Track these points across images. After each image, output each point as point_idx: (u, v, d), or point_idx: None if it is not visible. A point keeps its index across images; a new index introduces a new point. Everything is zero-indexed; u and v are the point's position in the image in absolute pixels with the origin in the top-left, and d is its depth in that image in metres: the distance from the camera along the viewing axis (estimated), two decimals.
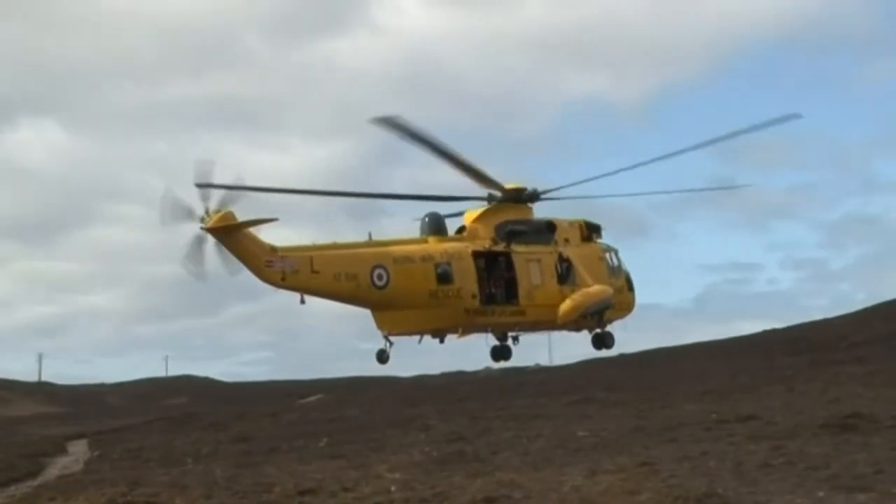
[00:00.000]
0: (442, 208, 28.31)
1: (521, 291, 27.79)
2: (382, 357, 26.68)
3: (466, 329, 27.56)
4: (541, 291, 28.04)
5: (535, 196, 28.71)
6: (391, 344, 26.60)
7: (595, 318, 28.71)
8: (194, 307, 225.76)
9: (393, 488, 33.38)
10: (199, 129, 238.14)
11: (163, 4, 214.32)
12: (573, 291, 28.26)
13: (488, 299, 27.47)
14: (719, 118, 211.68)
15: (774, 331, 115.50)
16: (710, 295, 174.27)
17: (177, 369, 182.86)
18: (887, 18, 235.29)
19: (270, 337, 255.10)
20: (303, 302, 25.44)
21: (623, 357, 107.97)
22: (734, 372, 75.27)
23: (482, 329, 28.00)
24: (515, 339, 29.27)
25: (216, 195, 23.85)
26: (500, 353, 29.41)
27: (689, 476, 31.15)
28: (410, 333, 27.13)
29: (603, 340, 29.32)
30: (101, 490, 37.24)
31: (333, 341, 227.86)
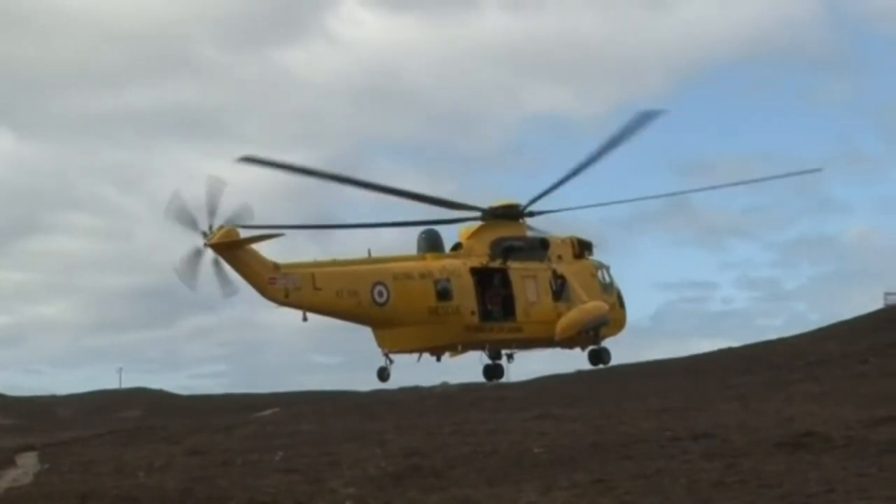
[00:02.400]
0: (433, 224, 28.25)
1: (518, 308, 27.84)
2: (383, 375, 26.58)
3: (465, 346, 27.58)
4: (537, 308, 28.08)
5: (525, 212, 28.76)
6: (391, 361, 26.54)
7: (591, 335, 28.82)
8: (149, 319, 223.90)
9: (347, 503, 33.22)
10: (154, 138, 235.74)
11: (116, 11, 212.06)
12: (568, 308, 28.30)
13: (486, 316, 27.48)
14: (678, 134, 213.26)
15: (730, 349, 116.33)
16: (666, 313, 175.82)
17: (131, 381, 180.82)
18: (842, 39, 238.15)
19: (226, 350, 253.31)
20: (305, 319, 25.37)
21: (580, 374, 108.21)
22: (690, 390, 75.67)
23: (480, 346, 28.00)
24: (510, 357, 29.24)
25: (221, 212, 23.80)
26: (493, 371, 29.32)
27: (642, 493, 31.24)
28: (410, 351, 27.12)
29: (599, 356, 29.35)
30: (52, 503, 36.76)
31: (290, 355, 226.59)
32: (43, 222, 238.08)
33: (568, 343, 28.95)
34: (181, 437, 74.25)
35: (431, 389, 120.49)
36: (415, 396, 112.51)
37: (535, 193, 28.23)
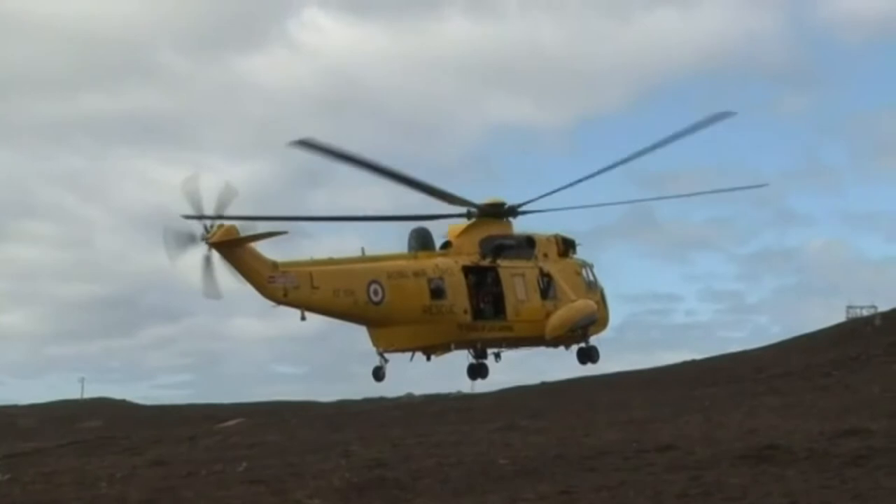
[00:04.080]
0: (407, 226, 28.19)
1: (509, 307, 27.86)
2: (379, 374, 26.52)
3: (458, 345, 27.56)
4: (527, 307, 28.12)
5: (513, 211, 28.75)
6: (386, 361, 26.46)
7: (579, 333, 28.80)
8: (111, 328, 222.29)
9: None
10: (114, 146, 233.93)
11: (74, 14, 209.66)
12: (556, 307, 28.32)
13: (478, 314, 27.45)
14: (640, 146, 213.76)
15: (694, 362, 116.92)
16: (630, 325, 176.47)
17: (93, 391, 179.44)
18: (804, 51, 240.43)
19: (190, 360, 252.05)
20: (303, 318, 25.25)
21: (545, 385, 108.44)
22: (654, 402, 75.96)
23: (472, 345, 27.95)
24: (497, 356, 29.15)
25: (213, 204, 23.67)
26: (478, 371, 29.22)
27: None
28: (405, 350, 27.09)
29: (588, 355, 29.35)
30: None
31: (254, 365, 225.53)
32: (0, 231, 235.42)
33: (557, 342, 28.95)
34: (144, 448, 73.67)
35: (396, 400, 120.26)
36: (379, 408, 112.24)
37: (534, 195, 28.29)
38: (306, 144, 24.24)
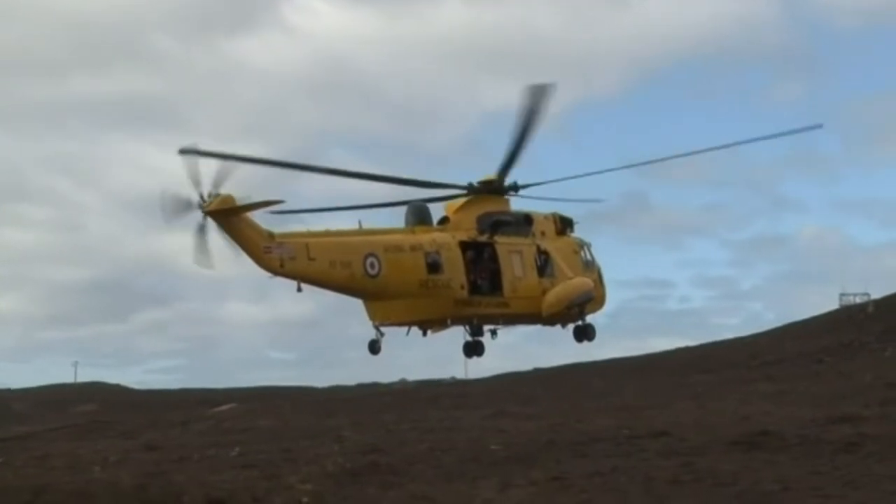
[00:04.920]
0: (421, 194, 28.09)
1: (505, 283, 27.73)
2: (374, 347, 26.35)
3: (454, 320, 27.43)
4: (523, 283, 27.99)
5: (514, 188, 28.66)
6: (382, 334, 26.35)
7: (575, 311, 28.73)
8: (105, 312, 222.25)
9: (305, 499, 33.12)
10: (107, 129, 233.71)
11: None
12: (552, 284, 28.22)
13: (474, 290, 27.31)
14: (634, 133, 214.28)
15: (687, 348, 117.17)
16: (624, 311, 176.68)
17: (86, 376, 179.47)
18: (799, 38, 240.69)
19: (183, 344, 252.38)
20: (299, 290, 25.06)
21: (538, 372, 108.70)
22: (647, 388, 76.11)
23: (468, 321, 27.85)
24: (494, 333, 29.04)
25: (211, 178, 23.55)
26: (473, 348, 29.11)
27: (599, 491, 31.39)
28: (401, 324, 26.94)
29: (585, 333, 29.26)
30: (5, 498, 36.37)
31: (247, 350, 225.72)
32: None
33: (554, 320, 28.86)
34: (137, 432, 73.69)
35: (390, 386, 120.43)
36: (373, 393, 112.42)
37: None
38: (192, 152, 23.93)
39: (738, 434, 40.92)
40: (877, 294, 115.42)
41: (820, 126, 30.62)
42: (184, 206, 23.73)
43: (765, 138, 28.91)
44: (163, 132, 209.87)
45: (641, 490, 31.29)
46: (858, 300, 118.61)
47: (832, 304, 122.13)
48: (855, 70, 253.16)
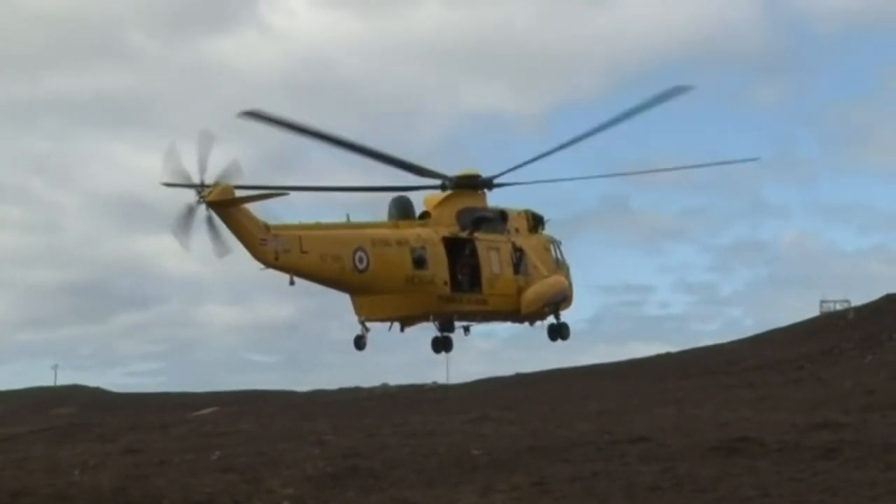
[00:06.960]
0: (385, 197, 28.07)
1: (484, 280, 27.73)
2: (360, 343, 26.29)
3: (437, 316, 27.41)
4: (501, 281, 28.01)
5: (488, 183, 28.63)
6: (368, 330, 26.32)
7: (550, 310, 28.76)
8: (83, 314, 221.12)
9: (285, 503, 33.06)
10: (83, 128, 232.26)
11: None
12: (527, 282, 28.25)
13: (456, 286, 27.30)
14: (616, 134, 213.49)
15: (668, 354, 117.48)
16: (604, 316, 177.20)
17: (66, 378, 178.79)
18: (778, 42, 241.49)
19: (163, 347, 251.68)
20: (292, 283, 25.06)
21: (519, 377, 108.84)
22: (628, 394, 76.32)
23: (448, 317, 27.83)
24: (466, 329, 29.01)
25: (213, 168, 23.59)
26: (442, 344, 29.03)
27: (580, 496, 31.45)
28: (386, 319, 26.87)
29: (559, 331, 29.26)
30: None
31: (228, 353, 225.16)
32: None
33: (531, 317, 28.88)
34: (117, 436, 73.31)
35: (371, 390, 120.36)
36: (354, 397, 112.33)
37: (507, 167, 28.22)
38: (256, 115, 24.16)
39: (718, 440, 41.04)
40: (857, 301, 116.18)
41: (757, 159, 31.44)
42: (188, 215, 23.76)
43: (698, 166, 29.65)
44: (139, 131, 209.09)
45: (622, 495, 31.37)
46: (839, 307, 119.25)
47: (812, 311, 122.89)
48: (835, 74, 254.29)
